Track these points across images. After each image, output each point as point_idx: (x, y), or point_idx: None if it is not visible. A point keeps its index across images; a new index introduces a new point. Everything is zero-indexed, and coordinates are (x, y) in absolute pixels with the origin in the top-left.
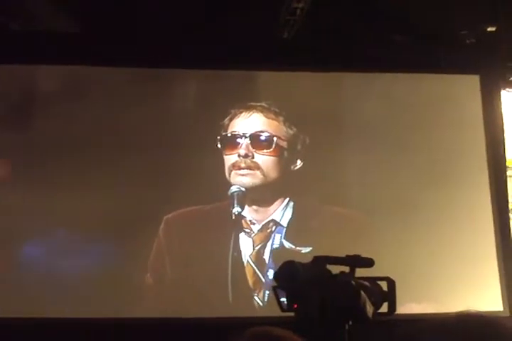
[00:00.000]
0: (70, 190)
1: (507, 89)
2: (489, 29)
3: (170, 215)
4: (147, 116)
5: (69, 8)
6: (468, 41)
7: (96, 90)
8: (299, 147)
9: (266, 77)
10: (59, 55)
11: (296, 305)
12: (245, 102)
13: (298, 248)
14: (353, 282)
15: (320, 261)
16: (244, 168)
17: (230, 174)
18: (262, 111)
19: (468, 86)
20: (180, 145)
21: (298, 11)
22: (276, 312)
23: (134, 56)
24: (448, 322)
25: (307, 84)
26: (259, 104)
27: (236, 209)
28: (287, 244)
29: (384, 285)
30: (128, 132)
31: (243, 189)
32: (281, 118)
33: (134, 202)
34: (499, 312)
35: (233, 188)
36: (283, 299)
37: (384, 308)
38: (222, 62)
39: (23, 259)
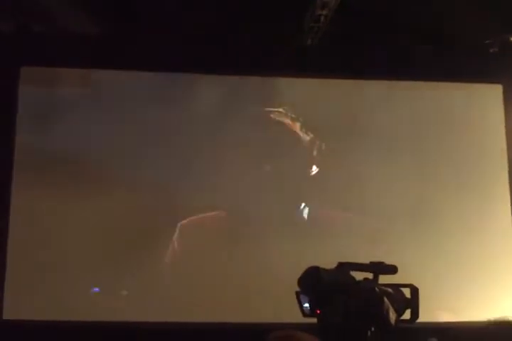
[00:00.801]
0: (84, 197)
1: None
2: None
3: (185, 221)
4: (165, 121)
5: (91, 11)
6: (491, 50)
7: (116, 94)
8: (315, 153)
9: (285, 83)
10: (80, 58)
11: (319, 311)
12: (262, 108)
13: None
14: (377, 288)
15: (344, 267)
16: None
17: None
18: (278, 117)
19: (491, 95)
20: (198, 152)
21: (322, 18)
22: (287, 319)
23: (156, 60)
24: (482, 331)
25: (327, 91)
26: (275, 109)
27: None
28: None
29: (407, 292)
30: (146, 137)
31: None
32: (297, 124)
33: (148, 208)
34: None
35: None
36: (306, 305)
37: (407, 315)
38: (242, 69)
39: (29, 263)
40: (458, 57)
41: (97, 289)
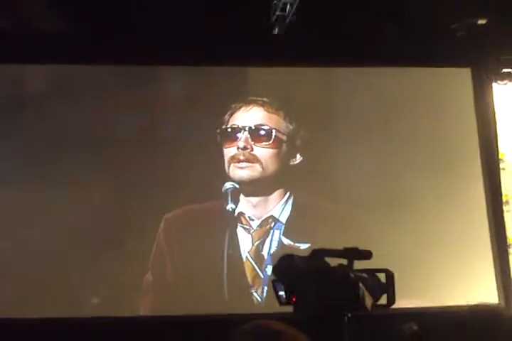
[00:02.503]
0: (67, 190)
1: (498, 81)
2: (480, 22)
3: (170, 214)
4: (145, 114)
5: (58, 8)
6: (459, 34)
7: (91, 89)
8: (298, 142)
9: (265, 73)
10: (49, 55)
11: (294, 299)
12: (246, 97)
13: (296, 244)
14: (352, 274)
15: (318, 254)
16: (243, 161)
17: (229, 167)
18: (262, 106)
19: (460, 79)
20: (180, 143)
21: (288, 7)
22: (275, 309)
23: (132, 53)
24: (462, 316)
25: (303, 80)
26: (259, 98)
27: (230, 206)
28: (286, 241)
29: (383, 277)
30: (125, 130)
31: (237, 185)
32: (281, 113)
33: (133, 200)
34: (495, 304)
35: (227, 185)
36: (281, 293)
37: (383, 300)
38: (218, 59)
39: (20, 258)
40: (426, 42)
41: None
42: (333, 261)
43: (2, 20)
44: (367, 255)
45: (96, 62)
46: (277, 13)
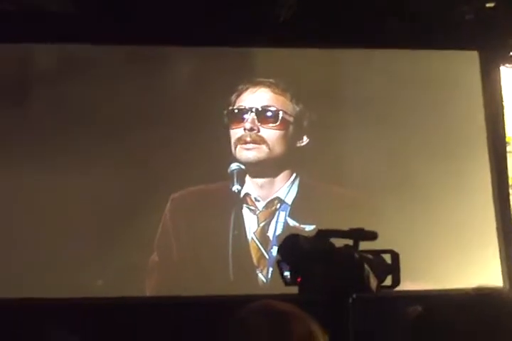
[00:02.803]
0: (72, 169)
1: (506, 65)
2: (488, 5)
3: (176, 194)
4: (151, 94)
5: None
6: (466, 17)
7: (97, 69)
8: (305, 123)
9: (272, 54)
10: (53, 34)
11: (299, 279)
12: (253, 78)
13: (302, 226)
14: (357, 255)
15: (323, 235)
16: (250, 142)
17: (235, 148)
18: (269, 87)
19: (467, 62)
20: (188, 123)
21: None
22: (281, 289)
23: (136, 33)
24: (466, 298)
25: (311, 61)
26: (266, 79)
27: (236, 187)
28: (291, 222)
29: (388, 258)
30: (132, 110)
31: (243, 166)
32: (288, 95)
33: (139, 181)
34: (499, 287)
35: (233, 166)
36: (287, 273)
37: (388, 282)
38: (224, 40)
39: (25, 239)
40: (433, 25)
41: None
42: (339, 242)
43: (6, 2)
44: (372, 236)
45: (102, 43)
46: None
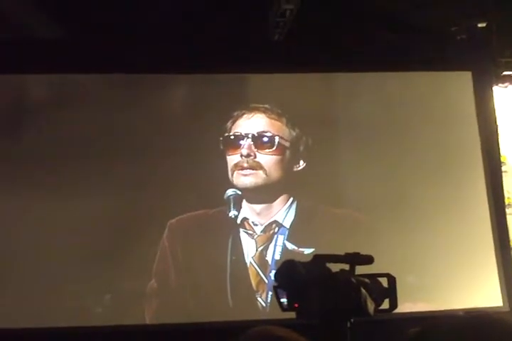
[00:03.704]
0: (70, 197)
1: (499, 84)
2: (480, 25)
3: (174, 220)
4: (148, 121)
5: (55, 15)
6: (459, 37)
7: (92, 98)
8: (301, 148)
9: (266, 80)
10: (46, 64)
11: (296, 305)
12: (248, 104)
13: (300, 249)
14: (353, 279)
15: (320, 260)
16: (247, 168)
17: (232, 175)
18: (264, 112)
19: (461, 82)
20: (185, 150)
21: (288, 13)
22: (280, 314)
23: (131, 61)
24: (459, 321)
25: (304, 86)
26: (261, 105)
27: (233, 213)
28: (290, 246)
29: (384, 282)
30: (128, 138)
31: (239, 192)
32: (284, 120)
33: (137, 207)
34: (499, 307)
35: (229, 192)
36: (284, 299)
37: (385, 305)
38: (217, 66)
39: (21, 266)
40: (425, 46)
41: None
42: (335, 267)
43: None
44: (368, 260)
45: (96, 71)
46: (277, 19)
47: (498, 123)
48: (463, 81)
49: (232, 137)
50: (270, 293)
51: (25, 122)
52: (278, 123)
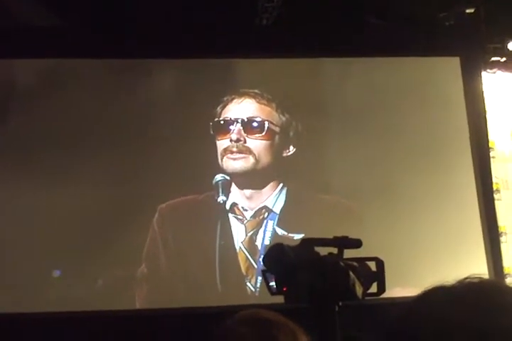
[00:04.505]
0: (59, 183)
1: (487, 70)
2: (468, 11)
3: (163, 205)
4: (137, 106)
5: (46, 1)
6: (447, 23)
7: (81, 83)
8: (291, 133)
9: (256, 65)
10: (37, 49)
11: (285, 288)
12: (237, 89)
13: (290, 234)
14: (342, 263)
15: (308, 243)
16: (236, 152)
17: (222, 159)
18: (254, 97)
19: (449, 68)
20: (175, 135)
21: None
22: (269, 298)
23: (119, 46)
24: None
25: (294, 71)
26: (251, 90)
27: (221, 198)
28: (280, 231)
29: (373, 265)
30: (117, 123)
31: (228, 177)
32: (273, 105)
33: (127, 192)
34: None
35: (217, 177)
36: (272, 283)
37: (374, 289)
38: (206, 51)
39: (12, 253)
40: (414, 31)
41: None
42: (324, 250)
43: None
44: (357, 244)
45: (86, 56)
46: (265, 4)
47: (486, 109)
48: (451, 67)
49: (221, 122)
50: (259, 278)
51: (11, 109)
52: (268, 109)
